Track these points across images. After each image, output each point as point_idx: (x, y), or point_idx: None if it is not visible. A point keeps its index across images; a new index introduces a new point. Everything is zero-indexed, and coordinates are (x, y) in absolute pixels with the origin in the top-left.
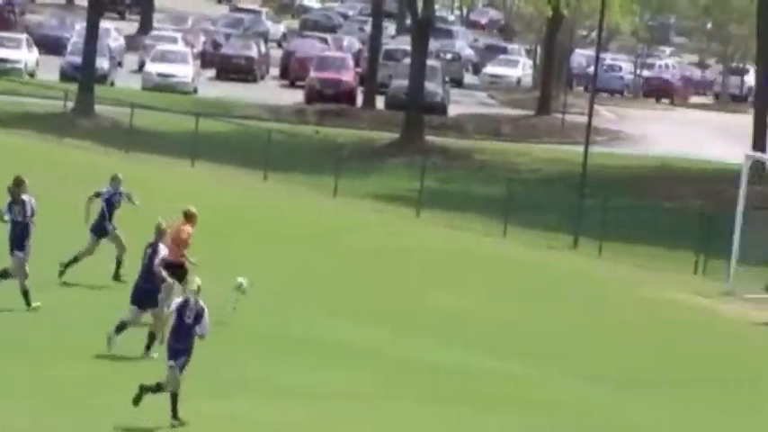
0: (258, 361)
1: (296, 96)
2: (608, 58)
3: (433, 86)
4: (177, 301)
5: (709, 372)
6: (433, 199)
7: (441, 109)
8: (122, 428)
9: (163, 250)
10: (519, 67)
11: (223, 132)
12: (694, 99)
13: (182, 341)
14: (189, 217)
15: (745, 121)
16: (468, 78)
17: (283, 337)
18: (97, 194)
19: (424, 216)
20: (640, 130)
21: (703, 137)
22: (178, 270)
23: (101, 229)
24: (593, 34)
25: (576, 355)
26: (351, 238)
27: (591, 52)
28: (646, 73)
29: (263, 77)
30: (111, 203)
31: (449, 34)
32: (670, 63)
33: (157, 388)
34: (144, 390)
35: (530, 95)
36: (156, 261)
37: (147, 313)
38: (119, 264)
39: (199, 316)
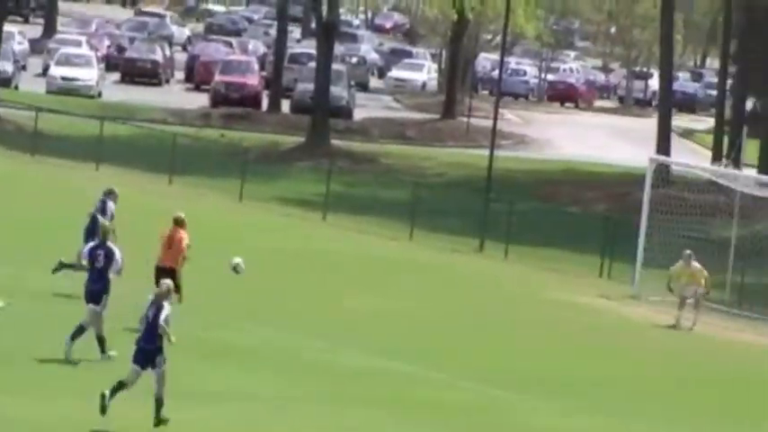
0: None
1: (201, 100)
2: (513, 62)
3: (338, 90)
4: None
5: (607, 372)
6: (340, 203)
7: (346, 113)
8: None
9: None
10: (424, 71)
11: (128, 136)
12: (599, 103)
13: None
14: (181, 223)
15: (649, 125)
16: (374, 82)
17: (194, 342)
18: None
19: (331, 220)
20: (545, 134)
21: (608, 141)
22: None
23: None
24: (498, 38)
25: (481, 356)
26: (257, 242)
27: (496, 56)
28: (550, 77)
29: (167, 81)
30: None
31: (354, 38)
32: (574, 67)
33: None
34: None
35: (435, 99)
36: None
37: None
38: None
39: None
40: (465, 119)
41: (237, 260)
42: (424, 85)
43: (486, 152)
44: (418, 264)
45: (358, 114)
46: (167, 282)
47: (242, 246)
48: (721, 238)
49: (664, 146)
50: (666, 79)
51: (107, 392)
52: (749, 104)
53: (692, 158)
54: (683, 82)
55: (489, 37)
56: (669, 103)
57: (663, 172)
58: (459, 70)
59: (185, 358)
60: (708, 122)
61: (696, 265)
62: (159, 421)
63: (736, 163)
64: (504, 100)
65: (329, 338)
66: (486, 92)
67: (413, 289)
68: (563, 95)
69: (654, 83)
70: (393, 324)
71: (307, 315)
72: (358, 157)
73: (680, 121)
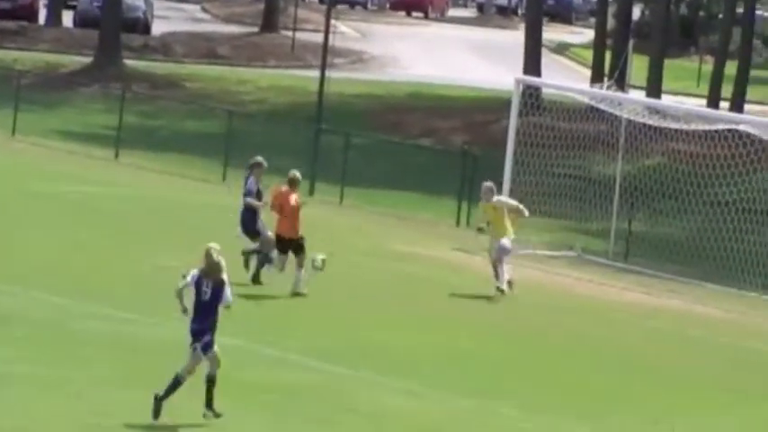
0: None
1: None
2: None
3: None
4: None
5: (461, 344)
6: (136, 137)
7: (143, 26)
8: None
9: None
10: None
11: None
12: (453, 12)
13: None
14: (295, 183)
15: (514, 38)
16: None
17: None
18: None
19: (125, 158)
20: (388, 51)
21: (465, 58)
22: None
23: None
24: None
25: (312, 327)
26: (32, 185)
27: None
28: None
29: None
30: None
31: None
32: None
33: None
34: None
35: (252, 8)
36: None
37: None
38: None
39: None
40: (290, 33)
41: (320, 257)
42: None
43: (315, 73)
44: (234, 211)
45: (157, 28)
46: (214, 246)
47: (13, 190)
48: (604, 176)
49: (533, 64)
50: None
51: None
52: (635, 12)
53: (567, 79)
54: None
55: None
56: (539, 11)
57: (532, 96)
58: None
59: None
60: (586, 35)
61: (501, 199)
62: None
63: (621, 84)
64: (338, 9)
65: (126, 306)
66: None
67: (228, 243)
68: (410, 3)
69: None
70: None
71: (94, 277)
72: (158, 82)
73: (552, 33)
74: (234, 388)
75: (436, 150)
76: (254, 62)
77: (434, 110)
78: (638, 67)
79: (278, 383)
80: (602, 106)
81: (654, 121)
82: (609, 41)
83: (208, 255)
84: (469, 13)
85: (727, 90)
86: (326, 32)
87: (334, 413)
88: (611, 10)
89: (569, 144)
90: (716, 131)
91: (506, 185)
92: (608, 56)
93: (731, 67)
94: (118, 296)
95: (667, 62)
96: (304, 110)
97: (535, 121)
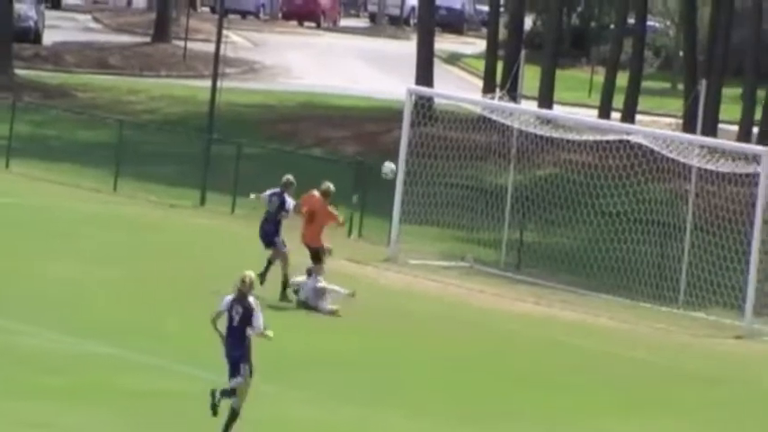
0: None
1: None
2: None
3: (23, 8)
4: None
5: (353, 353)
6: (26, 146)
7: (34, 36)
8: None
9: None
10: None
11: None
12: (345, 22)
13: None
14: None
15: (407, 48)
16: None
17: None
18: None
19: (15, 167)
20: (280, 61)
21: (357, 68)
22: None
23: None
24: None
25: (196, 336)
26: None
27: None
28: None
29: None
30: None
31: None
32: None
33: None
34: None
35: (144, 18)
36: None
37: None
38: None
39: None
40: (181, 42)
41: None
42: (129, 1)
43: (207, 83)
44: (125, 221)
45: (48, 38)
46: (249, 274)
47: None
48: (496, 187)
49: (425, 74)
50: None
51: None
52: (527, 23)
53: (459, 89)
54: None
55: None
56: (431, 21)
57: (424, 106)
58: None
59: None
60: (479, 45)
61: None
62: None
63: (513, 94)
64: (230, 19)
65: (9, 314)
66: (207, 9)
67: (117, 253)
68: (301, 12)
69: None
70: (92, 296)
71: None
72: (49, 91)
73: (445, 43)
74: (113, 395)
75: (328, 160)
76: (145, 72)
77: (327, 119)
78: (529, 77)
79: (158, 391)
80: (494, 116)
81: (545, 132)
82: (501, 52)
83: (242, 281)
84: (362, 23)
85: (618, 101)
86: (218, 42)
87: (219, 420)
88: (503, 20)
89: (461, 154)
90: (607, 142)
91: (398, 196)
92: (500, 66)
93: (623, 78)
94: (7, 306)
95: (559, 72)
96: (196, 119)
97: (427, 132)
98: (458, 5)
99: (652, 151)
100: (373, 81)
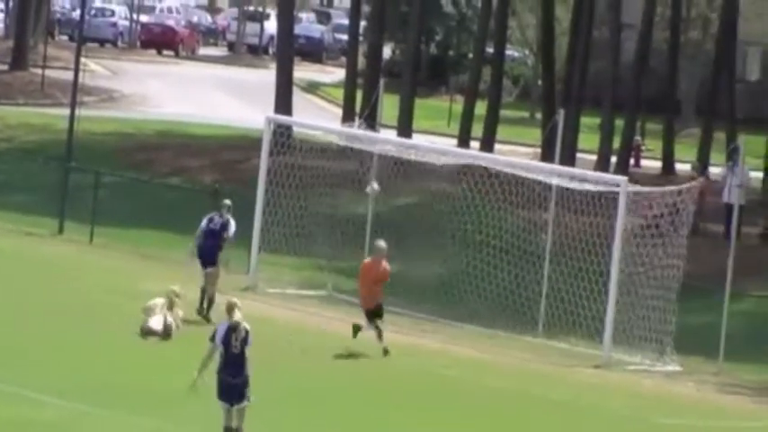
0: None
1: None
2: (98, 1)
3: None
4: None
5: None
6: None
7: None
8: None
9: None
10: None
11: None
12: (204, 50)
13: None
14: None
15: (265, 76)
16: None
17: None
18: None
19: None
20: (138, 89)
21: (216, 96)
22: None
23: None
24: None
25: (58, 365)
26: None
27: None
28: (143, 18)
29: None
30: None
31: None
32: (173, 6)
33: None
34: None
35: (1, 46)
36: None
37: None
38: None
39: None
40: (39, 70)
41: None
42: None
43: (65, 111)
44: None
45: None
46: (235, 300)
47: None
48: (355, 215)
49: (284, 103)
50: (286, 21)
51: None
52: (386, 52)
53: (318, 118)
54: (308, 24)
55: None
56: (290, 50)
57: (283, 135)
58: (31, 10)
59: None
60: (338, 74)
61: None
62: None
63: (372, 123)
64: (88, 47)
65: None
66: (65, 37)
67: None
68: (160, 41)
69: (271, 26)
70: None
71: None
72: None
73: (303, 72)
74: None
75: (186, 189)
76: (2, 100)
77: (185, 148)
78: (389, 105)
79: (13, 419)
80: (353, 145)
81: (405, 159)
82: (360, 80)
83: (232, 309)
84: (220, 51)
85: (477, 129)
86: (76, 70)
87: None
88: (362, 49)
89: (320, 182)
90: (466, 170)
91: (257, 226)
92: (359, 95)
93: (481, 107)
94: None
95: (418, 101)
96: (54, 148)
97: (286, 161)
98: (317, 34)
99: (510, 180)
100: (232, 109)
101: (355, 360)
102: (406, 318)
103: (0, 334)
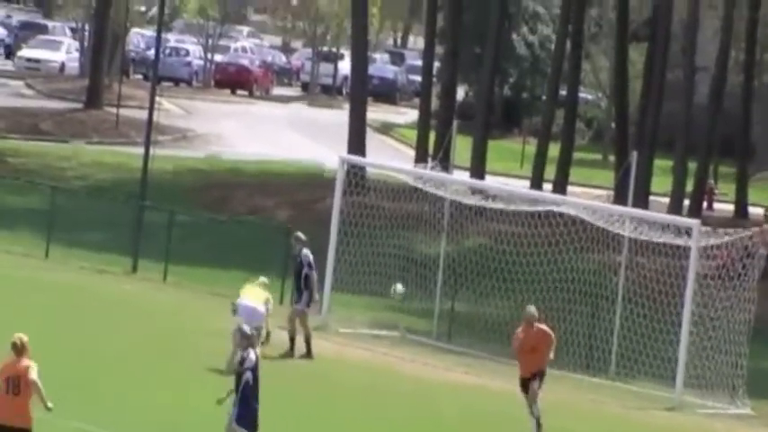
0: None
1: None
2: (172, 40)
3: None
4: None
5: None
6: None
7: None
8: None
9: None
10: (62, 50)
11: None
12: (278, 90)
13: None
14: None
15: (339, 117)
16: (0, 63)
17: None
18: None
19: None
20: (212, 128)
21: (289, 137)
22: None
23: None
24: (154, 10)
25: (131, 406)
26: None
27: (152, 32)
28: (218, 58)
29: None
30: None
31: None
32: (248, 46)
33: None
34: None
35: (77, 84)
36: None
37: None
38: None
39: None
40: (114, 109)
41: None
42: (62, 66)
43: (139, 150)
44: (55, 287)
45: None
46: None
47: None
48: (427, 257)
49: (357, 143)
50: (360, 61)
51: None
52: (460, 93)
53: (391, 159)
54: (381, 65)
55: (143, 9)
56: (363, 90)
57: (357, 175)
58: (105, 49)
59: None
60: (411, 115)
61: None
62: None
63: (445, 164)
64: (162, 86)
65: None
66: (139, 76)
67: (45, 320)
68: (234, 81)
69: (345, 66)
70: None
71: None
72: None
73: (377, 113)
74: None
75: (260, 228)
76: (77, 138)
77: (259, 188)
78: (461, 147)
79: None
80: (425, 187)
81: (477, 202)
82: (433, 122)
83: (250, 336)
84: (294, 91)
85: (550, 172)
86: (151, 109)
87: None
88: (436, 90)
89: (393, 224)
90: (538, 213)
91: (330, 266)
92: (432, 136)
93: (554, 149)
94: None
95: (491, 143)
96: (127, 186)
97: (359, 201)
98: (390, 75)
99: (583, 222)
100: (305, 150)
101: (421, 401)
102: (476, 358)
103: (73, 371)
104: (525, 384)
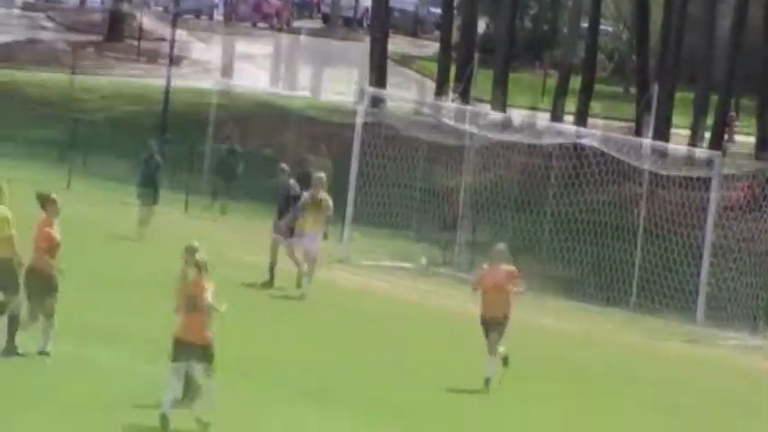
0: None
1: None
2: None
3: None
4: None
5: (302, 356)
6: None
7: None
8: None
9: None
10: None
11: None
12: (298, 23)
13: None
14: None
15: (360, 49)
16: None
17: None
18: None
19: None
20: (232, 61)
21: (312, 69)
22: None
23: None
24: None
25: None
26: None
27: None
28: None
29: None
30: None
31: None
32: None
33: None
34: None
35: (97, 17)
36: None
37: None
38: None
39: None
40: (135, 41)
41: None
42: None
43: (161, 82)
44: (74, 221)
45: (1, 36)
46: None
47: None
48: (447, 189)
49: (378, 76)
50: None
51: None
52: (481, 26)
53: (412, 91)
54: None
55: None
56: (385, 23)
57: (377, 107)
58: None
59: None
60: (432, 47)
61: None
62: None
63: (466, 97)
64: (183, 19)
65: None
66: (160, 8)
67: (66, 252)
68: (254, 13)
69: None
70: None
71: None
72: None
73: (398, 45)
74: None
75: (278, 160)
76: (98, 70)
77: (279, 121)
78: (482, 80)
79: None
80: (446, 119)
81: (497, 135)
82: (454, 54)
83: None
84: (315, 24)
85: (571, 104)
86: (172, 41)
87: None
88: (456, 23)
89: (413, 156)
90: (559, 145)
91: (350, 199)
92: (453, 69)
93: (575, 82)
94: None
95: (512, 76)
96: (150, 118)
97: (379, 133)
98: (411, 7)
99: (603, 154)
100: (326, 82)
101: (443, 333)
102: None
103: (107, 305)
104: (486, 326)
